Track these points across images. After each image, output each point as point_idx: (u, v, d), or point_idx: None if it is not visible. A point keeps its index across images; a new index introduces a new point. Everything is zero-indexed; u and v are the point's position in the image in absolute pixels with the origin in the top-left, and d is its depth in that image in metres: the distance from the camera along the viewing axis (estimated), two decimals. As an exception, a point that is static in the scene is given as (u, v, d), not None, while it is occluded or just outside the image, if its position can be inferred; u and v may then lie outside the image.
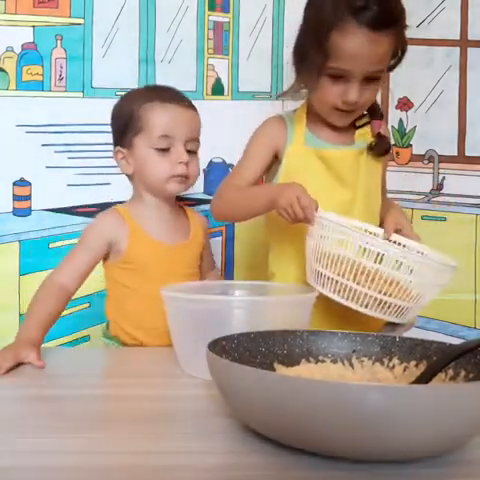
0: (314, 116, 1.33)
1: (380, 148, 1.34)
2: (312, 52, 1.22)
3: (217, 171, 1.74)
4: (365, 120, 1.36)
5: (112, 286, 1.34)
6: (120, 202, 1.42)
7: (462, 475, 0.69)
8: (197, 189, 1.70)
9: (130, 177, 1.38)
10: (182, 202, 1.48)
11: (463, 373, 0.81)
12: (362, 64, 1.20)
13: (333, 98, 1.25)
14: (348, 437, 0.64)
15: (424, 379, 0.79)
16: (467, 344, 0.80)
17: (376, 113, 1.36)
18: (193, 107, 1.36)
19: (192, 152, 1.33)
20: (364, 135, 1.35)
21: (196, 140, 1.34)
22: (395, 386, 0.75)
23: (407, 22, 1.26)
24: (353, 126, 1.35)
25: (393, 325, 1.22)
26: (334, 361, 0.88)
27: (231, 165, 1.74)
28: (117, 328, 1.32)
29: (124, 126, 1.34)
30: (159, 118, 1.31)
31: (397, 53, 1.27)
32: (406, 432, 0.64)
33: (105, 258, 1.32)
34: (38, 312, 1.21)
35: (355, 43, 1.18)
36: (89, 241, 1.30)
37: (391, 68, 1.31)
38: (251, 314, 1.00)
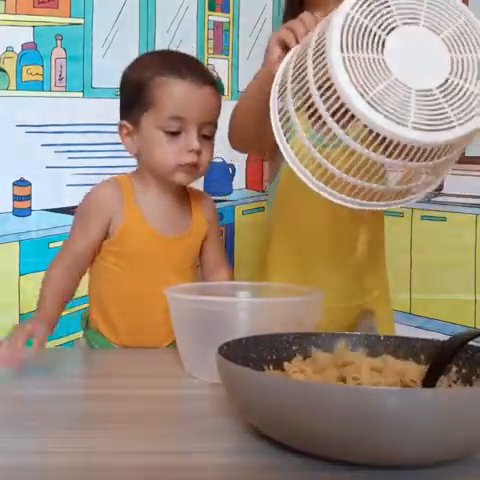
0: None
1: None
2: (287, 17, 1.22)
3: (217, 171, 1.74)
4: None
5: (98, 268, 1.23)
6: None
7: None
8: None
9: (135, 155, 1.25)
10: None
11: (455, 369, 0.82)
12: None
13: None
14: (362, 441, 0.64)
15: (431, 381, 0.79)
16: (461, 336, 0.80)
17: None
18: (213, 83, 1.20)
19: (207, 137, 1.19)
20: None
21: (213, 124, 1.20)
22: (412, 390, 0.75)
23: None
24: None
25: (367, 314, 1.22)
26: None
27: (231, 165, 1.74)
28: (99, 324, 1.25)
29: (131, 99, 1.20)
30: (171, 96, 1.16)
31: None
32: (422, 436, 0.63)
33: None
34: (50, 287, 1.14)
35: None
36: (85, 219, 1.19)
37: None
38: (257, 316, 0.99)
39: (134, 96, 1.19)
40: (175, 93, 1.16)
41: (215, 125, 1.21)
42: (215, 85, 1.21)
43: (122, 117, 1.23)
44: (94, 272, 1.24)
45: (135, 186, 1.23)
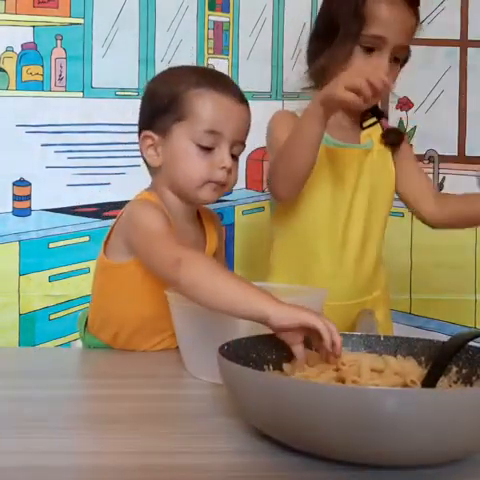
0: None
1: (394, 136, 1.35)
2: (346, 21, 1.25)
3: (217, 171, 1.73)
4: (372, 120, 1.36)
5: (117, 287, 1.17)
6: (117, 203, 1.36)
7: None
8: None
9: (153, 170, 1.19)
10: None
11: (455, 369, 0.82)
12: (397, 31, 1.24)
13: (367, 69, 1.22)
14: (362, 441, 0.64)
15: (432, 381, 0.79)
16: (461, 336, 0.80)
17: (381, 113, 1.37)
18: (247, 103, 1.17)
19: (234, 157, 1.16)
20: (370, 135, 1.36)
21: (242, 143, 1.17)
22: (412, 390, 0.75)
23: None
24: (360, 126, 1.36)
25: (367, 314, 1.22)
26: None
27: (231, 165, 1.74)
28: (99, 328, 1.21)
29: (162, 108, 1.14)
30: (209, 109, 1.12)
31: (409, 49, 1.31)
32: (422, 436, 0.63)
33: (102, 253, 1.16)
34: (238, 284, 0.92)
35: (391, 10, 1.24)
36: (161, 227, 1.06)
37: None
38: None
39: (165, 106, 1.14)
40: (214, 107, 1.12)
41: (244, 146, 1.17)
42: (248, 105, 1.17)
43: (146, 128, 1.16)
44: (112, 290, 1.19)
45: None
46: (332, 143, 1.31)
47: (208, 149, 1.12)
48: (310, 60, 1.33)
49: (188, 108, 1.12)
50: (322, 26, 1.32)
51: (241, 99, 1.16)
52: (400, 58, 1.28)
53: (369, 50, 1.25)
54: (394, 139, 1.35)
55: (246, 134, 1.17)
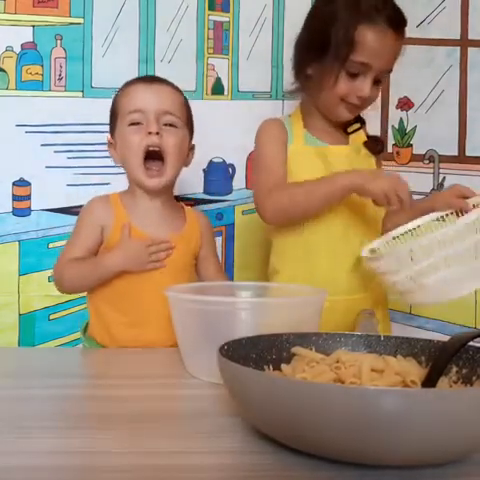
0: (310, 119, 1.39)
1: (376, 145, 1.42)
2: (337, 44, 1.27)
3: (217, 171, 1.74)
4: (356, 126, 1.42)
5: (109, 290, 1.28)
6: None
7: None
8: (197, 189, 1.69)
9: (121, 166, 1.37)
10: (184, 202, 1.46)
11: (455, 369, 0.82)
12: (382, 59, 1.28)
13: (347, 91, 1.30)
14: (362, 441, 0.64)
15: (432, 381, 0.79)
16: (461, 336, 0.80)
17: (363, 121, 1.43)
18: (169, 84, 1.34)
19: (171, 126, 1.30)
20: (356, 139, 1.41)
21: (172, 114, 1.31)
22: (412, 390, 0.75)
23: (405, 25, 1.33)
24: (344, 132, 1.41)
25: (367, 314, 1.23)
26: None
27: (231, 165, 1.74)
28: (94, 328, 1.30)
29: (111, 115, 1.35)
30: (129, 95, 1.31)
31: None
32: (422, 436, 0.63)
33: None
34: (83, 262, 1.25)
35: (380, 38, 1.26)
36: (82, 228, 1.30)
37: None
38: (258, 316, 0.99)
39: (112, 112, 1.34)
40: (132, 92, 1.31)
41: (177, 116, 1.31)
42: (172, 85, 1.34)
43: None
44: (106, 293, 1.28)
45: (125, 201, 1.31)
46: (321, 145, 1.36)
47: (138, 124, 1.28)
48: (296, 67, 1.37)
49: (119, 106, 1.32)
50: (312, 39, 1.34)
51: (162, 82, 1.33)
52: (381, 80, 1.33)
53: (353, 75, 1.29)
54: (375, 147, 1.41)
55: (174, 105, 1.31)
